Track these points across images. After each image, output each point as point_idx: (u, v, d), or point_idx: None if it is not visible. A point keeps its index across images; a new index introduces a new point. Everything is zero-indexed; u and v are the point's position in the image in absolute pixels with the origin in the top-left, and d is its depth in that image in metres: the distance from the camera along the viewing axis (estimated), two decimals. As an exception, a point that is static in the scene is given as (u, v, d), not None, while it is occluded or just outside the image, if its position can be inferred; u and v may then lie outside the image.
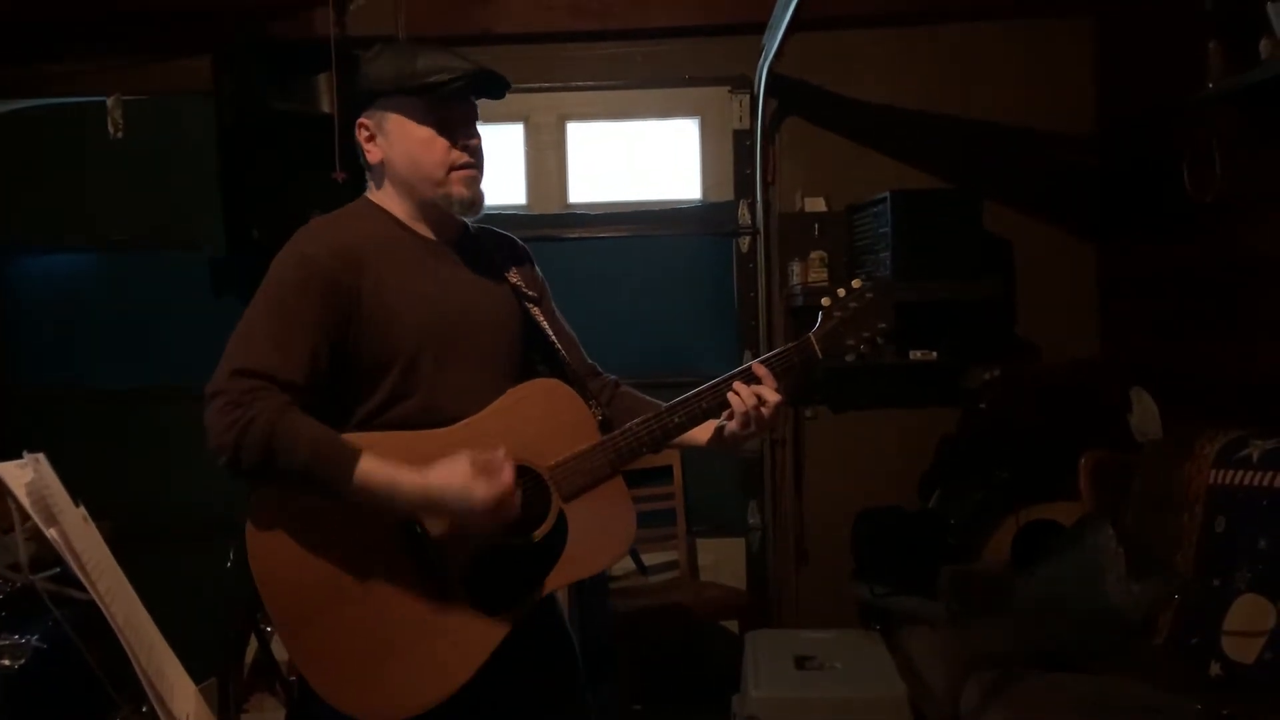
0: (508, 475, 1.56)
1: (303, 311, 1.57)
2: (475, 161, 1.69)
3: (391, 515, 1.58)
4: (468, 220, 1.74)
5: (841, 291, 1.80)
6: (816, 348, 1.76)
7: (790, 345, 1.77)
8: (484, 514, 1.55)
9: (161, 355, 4.00)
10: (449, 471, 1.55)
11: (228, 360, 1.54)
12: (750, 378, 1.71)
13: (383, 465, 1.54)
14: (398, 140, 1.67)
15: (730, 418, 1.73)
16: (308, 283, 1.58)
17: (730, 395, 1.71)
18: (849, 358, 1.79)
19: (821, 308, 1.79)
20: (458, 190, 1.68)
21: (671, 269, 4.03)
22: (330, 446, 1.53)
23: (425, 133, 1.66)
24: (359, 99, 1.70)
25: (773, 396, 1.70)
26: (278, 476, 1.52)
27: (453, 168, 1.67)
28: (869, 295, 1.78)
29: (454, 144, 1.67)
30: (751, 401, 1.70)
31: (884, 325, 1.78)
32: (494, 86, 1.70)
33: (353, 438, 1.59)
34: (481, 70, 1.66)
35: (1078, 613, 2.72)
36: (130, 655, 1.18)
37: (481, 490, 1.54)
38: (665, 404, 1.76)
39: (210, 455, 1.51)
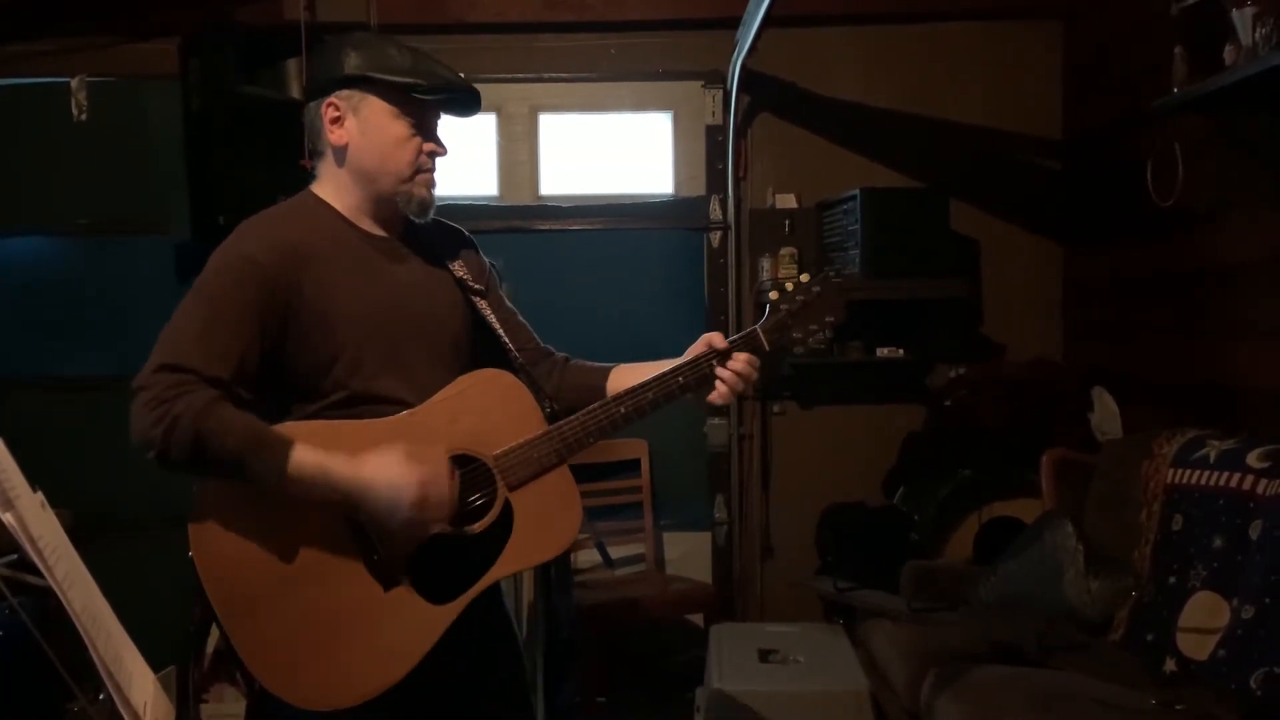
0: (442, 469, 1.57)
1: (235, 308, 1.56)
2: (435, 167, 1.72)
3: (325, 504, 1.57)
4: (418, 220, 1.74)
5: (790, 285, 1.83)
6: (763, 340, 1.78)
7: (738, 337, 1.79)
8: (411, 508, 1.54)
9: (125, 343, 3.93)
10: (382, 463, 1.54)
11: (154, 355, 1.54)
12: (720, 357, 1.74)
13: (314, 454, 1.53)
14: (373, 129, 1.66)
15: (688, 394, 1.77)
16: (243, 280, 1.58)
17: (719, 383, 1.74)
18: (797, 350, 1.83)
19: (769, 302, 1.82)
20: (419, 192, 1.70)
21: (642, 263, 4.03)
22: (261, 437, 1.52)
23: (403, 129, 1.67)
24: (332, 78, 1.67)
25: (751, 372, 1.76)
26: (208, 468, 1.51)
27: (419, 170, 1.69)
28: (816, 290, 1.80)
29: (423, 148, 1.69)
30: (739, 386, 1.75)
31: (831, 319, 1.81)
32: (472, 107, 1.74)
33: (292, 426, 1.58)
34: (473, 89, 1.71)
35: (1037, 609, 2.76)
36: (88, 643, 1.17)
37: (413, 484, 1.53)
38: (613, 366, 1.81)
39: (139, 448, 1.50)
